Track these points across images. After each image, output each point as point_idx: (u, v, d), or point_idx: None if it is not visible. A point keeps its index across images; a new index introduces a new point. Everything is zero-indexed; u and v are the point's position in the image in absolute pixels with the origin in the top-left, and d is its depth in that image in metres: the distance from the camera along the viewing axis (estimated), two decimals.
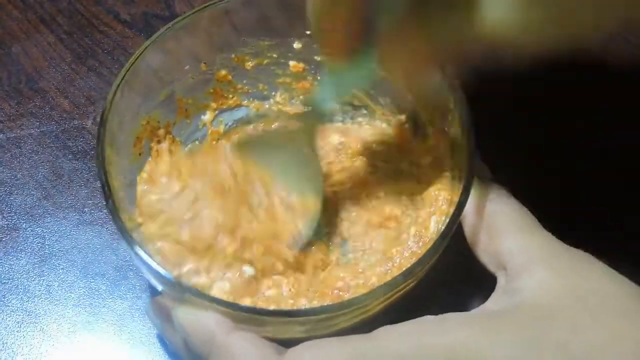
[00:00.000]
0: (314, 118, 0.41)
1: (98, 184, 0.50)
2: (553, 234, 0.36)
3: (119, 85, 0.39)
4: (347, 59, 0.36)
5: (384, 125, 0.47)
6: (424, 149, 0.45)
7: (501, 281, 0.35)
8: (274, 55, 0.46)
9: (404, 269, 0.35)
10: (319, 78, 0.42)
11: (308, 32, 0.42)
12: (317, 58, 0.45)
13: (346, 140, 0.47)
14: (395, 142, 0.46)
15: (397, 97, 0.45)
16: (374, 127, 0.48)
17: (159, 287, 0.37)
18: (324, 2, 0.34)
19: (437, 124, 0.42)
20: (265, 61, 0.46)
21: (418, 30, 0.32)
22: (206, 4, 0.42)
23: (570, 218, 0.45)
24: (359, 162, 0.46)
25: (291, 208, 0.42)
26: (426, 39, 0.33)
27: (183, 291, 0.34)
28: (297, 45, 0.45)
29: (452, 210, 0.36)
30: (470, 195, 0.36)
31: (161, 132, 0.44)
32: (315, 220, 0.42)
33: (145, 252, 0.35)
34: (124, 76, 0.39)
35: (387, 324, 0.32)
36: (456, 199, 0.36)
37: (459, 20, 0.31)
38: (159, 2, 0.59)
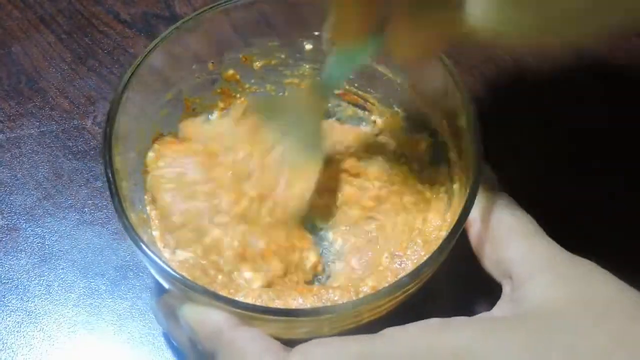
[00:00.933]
0: (322, 92, 0.42)
1: (98, 184, 0.50)
2: (554, 234, 0.36)
3: (125, 86, 0.39)
4: (361, 38, 0.36)
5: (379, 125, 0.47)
6: (430, 153, 0.45)
7: (506, 289, 0.35)
8: (282, 56, 0.46)
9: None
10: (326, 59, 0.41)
11: (316, 33, 0.42)
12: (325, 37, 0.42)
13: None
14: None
15: (401, 98, 0.45)
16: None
17: (166, 285, 0.37)
18: None
19: (444, 127, 0.42)
20: (273, 62, 0.46)
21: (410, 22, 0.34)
22: (209, 6, 0.42)
23: (571, 218, 0.45)
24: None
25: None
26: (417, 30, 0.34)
27: (189, 289, 0.34)
28: (307, 46, 0.45)
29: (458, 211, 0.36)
30: (475, 203, 0.36)
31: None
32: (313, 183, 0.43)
33: (151, 250, 0.35)
34: (130, 76, 0.39)
35: (393, 325, 0.33)
36: (462, 203, 0.36)
37: (445, 17, 0.33)
38: (159, 2, 0.59)
